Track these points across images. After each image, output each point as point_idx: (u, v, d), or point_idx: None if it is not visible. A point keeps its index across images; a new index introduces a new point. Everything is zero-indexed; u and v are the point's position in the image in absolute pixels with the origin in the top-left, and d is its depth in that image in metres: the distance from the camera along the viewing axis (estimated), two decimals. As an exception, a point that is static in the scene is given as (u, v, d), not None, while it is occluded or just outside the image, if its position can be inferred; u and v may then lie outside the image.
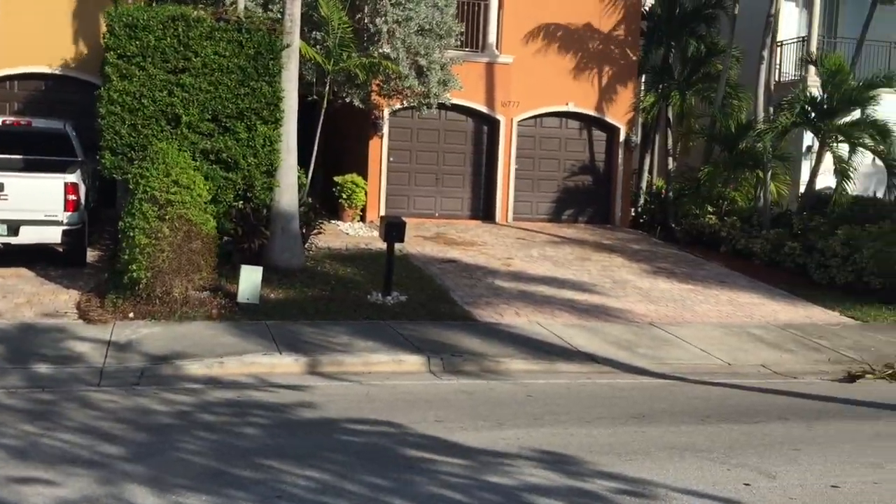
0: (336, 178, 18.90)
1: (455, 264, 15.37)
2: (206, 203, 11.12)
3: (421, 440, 6.53)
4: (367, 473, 5.60)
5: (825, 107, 17.13)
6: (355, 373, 9.19)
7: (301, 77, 16.26)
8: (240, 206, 13.02)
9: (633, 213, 21.91)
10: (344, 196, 18.81)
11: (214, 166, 12.51)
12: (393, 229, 12.48)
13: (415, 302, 12.60)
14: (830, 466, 6.29)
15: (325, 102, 15.76)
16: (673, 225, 20.19)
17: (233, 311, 11.09)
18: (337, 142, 22.18)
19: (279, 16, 15.43)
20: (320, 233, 14.85)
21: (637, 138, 21.01)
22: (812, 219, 16.96)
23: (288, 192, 13.42)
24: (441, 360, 9.78)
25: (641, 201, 22.23)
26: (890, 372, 10.44)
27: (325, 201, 19.19)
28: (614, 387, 9.10)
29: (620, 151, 20.93)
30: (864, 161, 18.81)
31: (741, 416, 7.79)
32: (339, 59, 15.49)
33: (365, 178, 19.15)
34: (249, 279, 11.15)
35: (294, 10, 13.23)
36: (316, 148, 15.91)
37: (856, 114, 17.61)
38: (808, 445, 6.78)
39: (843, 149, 17.33)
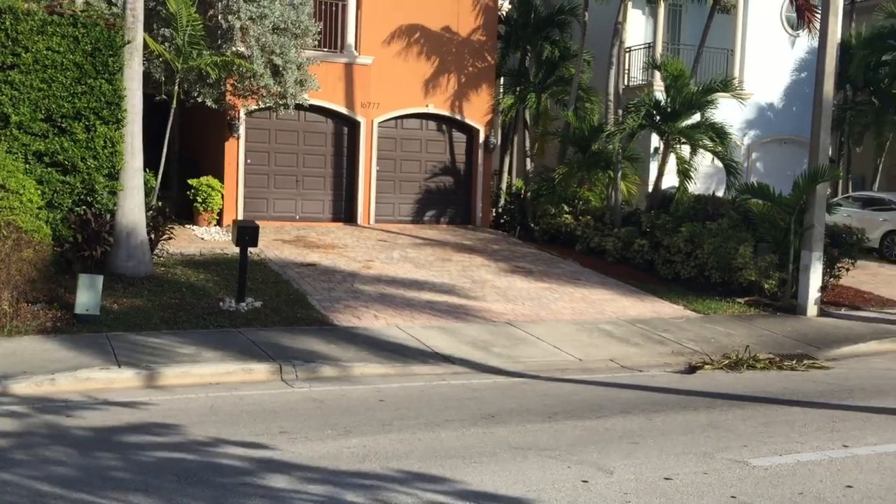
0: (191, 181, 18.24)
1: (314, 268, 15.13)
2: (38, 209, 10.44)
3: (261, 454, 6.32)
4: (193, 499, 5.30)
5: (668, 110, 17.95)
6: (202, 384, 8.85)
7: (149, 75, 15.64)
8: (81, 211, 12.31)
9: (494, 214, 22.29)
10: (199, 200, 18.18)
11: (50, 169, 11.76)
12: (246, 233, 12.13)
13: (270, 308, 12.31)
14: (665, 458, 6.54)
15: (175, 102, 15.16)
16: (532, 225, 20.66)
17: (70, 324, 10.45)
18: (194, 143, 21.44)
19: (122, 10, 14.78)
20: (171, 238, 14.26)
21: (496, 140, 21.37)
22: (659, 217, 17.74)
23: (133, 195, 12.81)
24: (294, 368, 9.57)
25: (502, 202, 22.65)
26: (727, 362, 11.03)
27: (181, 205, 18.50)
28: (468, 387, 9.17)
29: (480, 153, 21.23)
30: (706, 162, 19.91)
31: (587, 411, 8.01)
32: (189, 56, 14.93)
33: (221, 180, 18.58)
34: (88, 289, 10.53)
35: (136, 4, 12.64)
36: (166, 149, 15.29)
37: (697, 117, 18.56)
38: (646, 438, 7.03)
39: (686, 150, 18.22)
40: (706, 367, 10.81)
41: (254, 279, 13.98)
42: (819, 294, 14.59)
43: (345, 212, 20.19)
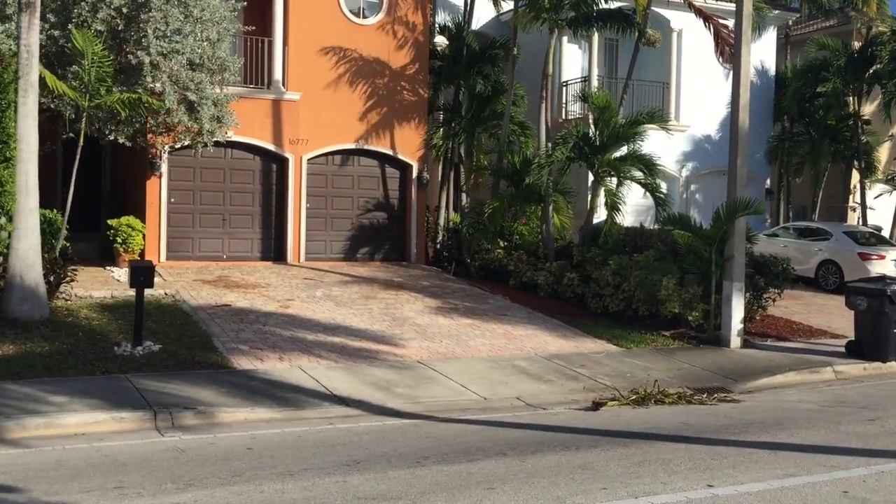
0: (110, 222, 17.74)
1: (228, 308, 14.65)
2: None
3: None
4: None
5: (596, 142, 17.83)
6: (65, 436, 8.33)
7: (58, 113, 15.26)
8: (-31, 254, 11.81)
9: (433, 250, 21.99)
10: (119, 240, 17.66)
11: (-68, 211, 11.25)
12: (140, 274, 11.67)
13: (168, 351, 11.81)
14: (513, 507, 6.13)
15: (82, 140, 14.70)
16: (468, 260, 20.35)
17: (-60, 373, 9.89)
18: (121, 183, 20.96)
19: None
20: (72, 280, 13.73)
21: (428, 175, 21.11)
22: (589, 250, 17.52)
23: (27, 237, 12.32)
24: (170, 415, 9.08)
25: (440, 237, 22.33)
26: (634, 397, 10.71)
27: (108, 246, 17.97)
28: (351, 432, 8.74)
29: (413, 188, 20.97)
30: (639, 194, 19.77)
31: (461, 454, 7.61)
32: (96, 94, 14.53)
33: (143, 220, 18.10)
34: (-38, 336, 9.98)
35: (30, 40, 12.25)
36: (72, 189, 14.77)
37: (627, 149, 18.47)
38: (505, 483, 6.64)
39: (615, 182, 18.09)
40: (612, 403, 10.47)
41: (160, 321, 13.52)
42: (741, 325, 14.37)
43: (274, 250, 19.76)
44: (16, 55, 12.31)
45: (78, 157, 14.67)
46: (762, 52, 25.35)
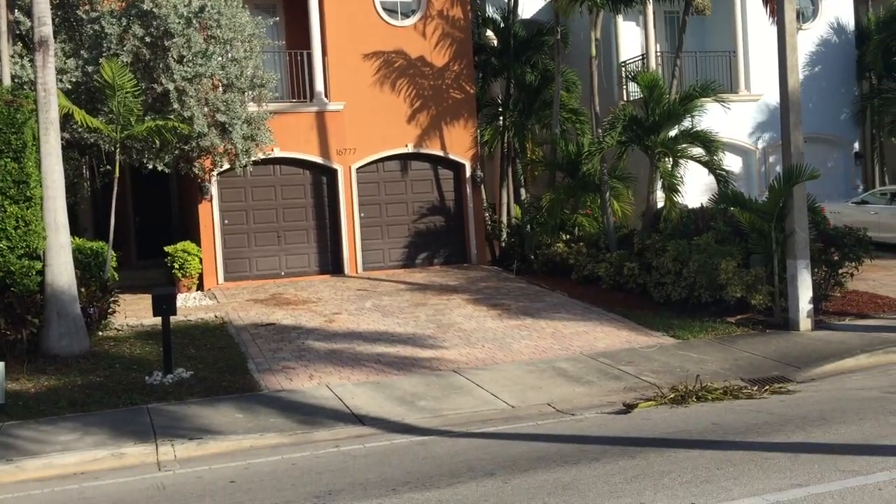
0: (167, 248, 17.99)
1: (273, 327, 14.51)
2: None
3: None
4: None
5: (647, 123, 16.80)
6: (64, 476, 8.22)
7: (96, 147, 15.49)
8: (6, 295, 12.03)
9: (500, 248, 21.39)
10: (176, 266, 17.87)
11: (-37, 255, 11.52)
12: (162, 302, 11.60)
13: (198, 377, 11.70)
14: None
15: (117, 172, 14.87)
16: (531, 256, 19.64)
17: (-31, 414, 10.04)
18: (182, 209, 21.34)
19: (65, 86, 14.69)
20: (113, 312, 13.86)
21: (482, 173, 20.49)
22: (650, 236, 16.52)
23: (60, 272, 12.47)
24: (173, 448, 8.86)
25: (504, 235, 21.68)
26: (673, 396, 9.82)
27: (168, 273, 18.27)
28: (349, 455, 8.28)
29: (468, 188, 20.41)
30: (705, 172, 18.53)
31: (446, 477, 7.02)
32: (127, 125, 14.68)
33: (199, 244, 18.27)
34: (-13, 377, 10.11)
35: (47, 78, 12.41)
36: (113, 220, 14.95)
37: (685, 124, 17.36)
38: (471, 511, 6.03)
39: (671, 163, 17.01)
40: (645, 404, 9.62)
41: (201, 345, 13.49)
42: (810, 306, 13.11)
43: (331, 263, 19.60)
44: (28, 96, 12.44)
45: (115, 188, 14.85)
46: (838, 6, 23.50)
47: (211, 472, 7.96)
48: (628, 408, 9.58)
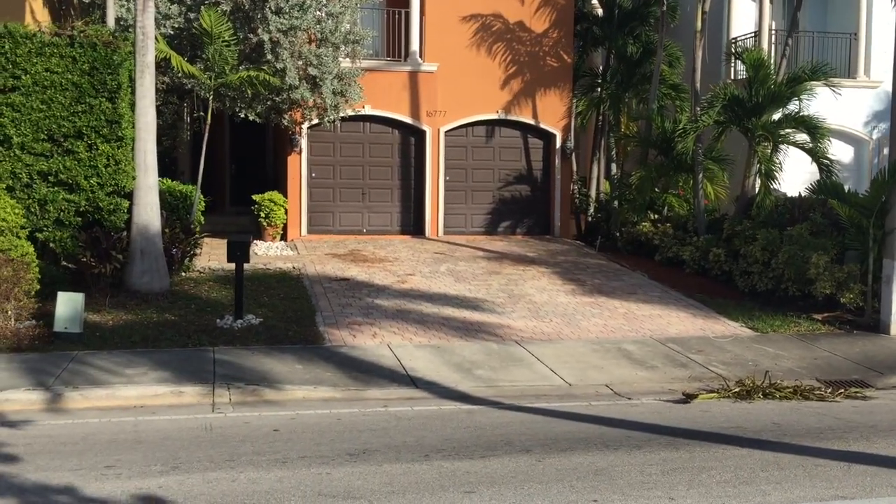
0: (255, 197, 18.40)
1: (346, 283, 14.67)
2: (19, 227, 10.62)
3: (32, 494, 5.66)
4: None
5: (749, 104, 16.02)
6: (124, 407, 8.55)
7: (192, 93, 15.88)
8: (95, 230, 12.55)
9: (586, 222, 21.00)
10: (262, 215, 18.29)
11: (56, 188, 12.04)
12: (236, 249, 11.85)
13: (267, 325, 11.94)
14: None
15: (210, 118, 15.22)
16: (616, 233, 19.20)
17: (49, 342, 10.54)
18: (275, 160, 21.77)
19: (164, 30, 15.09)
20: (195, 254, 14.27)
21: (572, 145, 20.06)
22: (741, 223, 15.86)
23: (146, 212, 12.88)
24: (228, 391, 9.09)
25: (591, 210, 21.26)
26: (738, 390, 9.41)
27: (255, 221, 18.72)
28: (394, 416, 8.28)
29: (557, 159, 20.03)
30: (804, 162, 17.61)
31: (481, 449, 6.90)
32: (221, 73, 14.98)
33: (286, 195, 18.62)
34: (67, 306, 10.59)
35: (146, 22, 12.72)
36: (202, 165, 15.36)
37: (791, 108, 16.50)
38: (493, 486, 5.88)
39: (770, 148, 16.20)
40: (706, 395, 9.25)
41: (275, 294, 13.75)
42: (906, 309, 12.32)
43: (413, 224, 19.65)
44: (127, 38, 12.80)
45: (206, 134, 15.21)
46: (977, -10, 21.69)
47: (259, 419, 8.11)
48: (688, 397, 9.24)
